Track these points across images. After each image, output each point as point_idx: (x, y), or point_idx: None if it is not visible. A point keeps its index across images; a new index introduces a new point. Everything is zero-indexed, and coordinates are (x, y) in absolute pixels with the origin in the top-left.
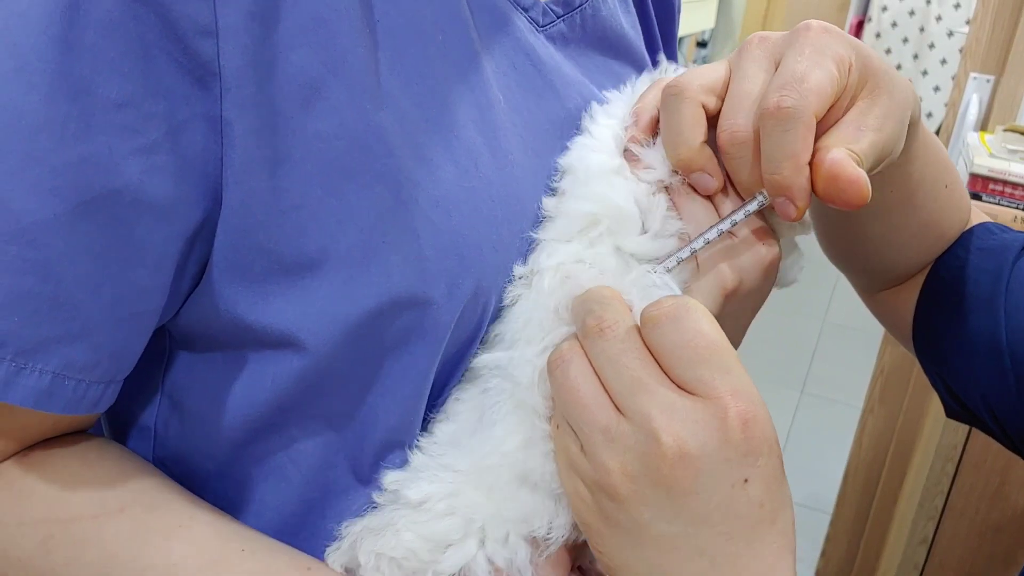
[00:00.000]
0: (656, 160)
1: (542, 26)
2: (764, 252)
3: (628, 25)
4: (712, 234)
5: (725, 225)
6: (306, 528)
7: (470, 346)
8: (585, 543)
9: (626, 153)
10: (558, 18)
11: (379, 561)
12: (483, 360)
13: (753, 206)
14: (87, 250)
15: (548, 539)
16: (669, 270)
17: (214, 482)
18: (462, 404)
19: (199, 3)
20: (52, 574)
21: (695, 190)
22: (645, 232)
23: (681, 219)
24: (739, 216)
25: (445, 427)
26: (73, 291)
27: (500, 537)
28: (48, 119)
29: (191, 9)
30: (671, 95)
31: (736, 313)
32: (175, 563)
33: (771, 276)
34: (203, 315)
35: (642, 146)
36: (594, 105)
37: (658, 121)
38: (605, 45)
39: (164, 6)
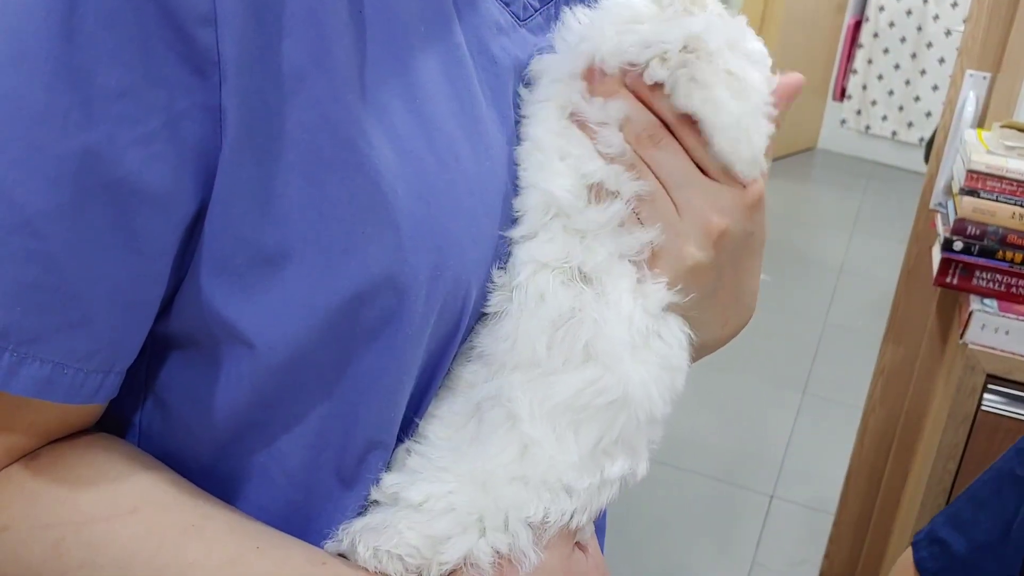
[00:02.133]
0: (614, 130)
1: (522, 20)
2: (750, 193)
3: None
4: None
5: None
6: (291, 530)
7: (450, 344)
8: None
9: (583, 127)
10: (535, 11)
11: (378, 552)
12: (479, 388)
13: None
14: (88, 239)
15: (546, 523)
16: None
17: (198, 481)
18: (456, 415)
19: None
20: None
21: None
22: (591, 203)
23: (653, 174)
24: None
25: (440, 431)
26: (73, 280)
27: (499, 525)
28: (50, 108)
29: None
30: None
31: (733, 260)
32: (192, 563)
33: (759, 213)
34: (185, 308)
35: (596, 126)
36: (532, 72)
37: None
38: None
39: None
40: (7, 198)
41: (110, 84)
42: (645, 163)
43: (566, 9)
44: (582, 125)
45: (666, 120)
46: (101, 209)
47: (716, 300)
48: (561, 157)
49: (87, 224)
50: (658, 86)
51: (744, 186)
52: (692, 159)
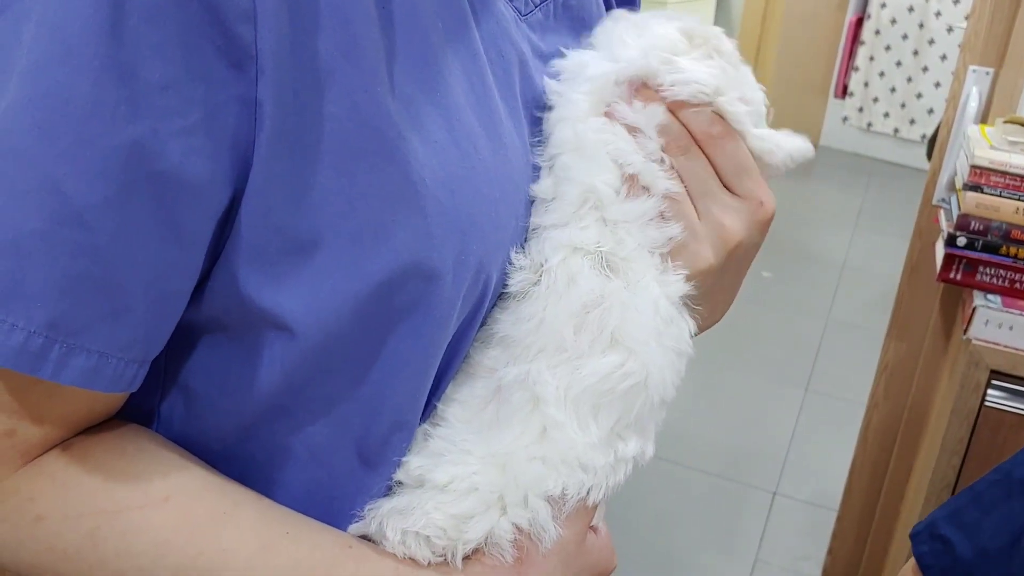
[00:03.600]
0: (651, 134)
1: (524, 15)
2: (764, 210)
3: (596, 8)
4: None
5: None
6: (312, 508)
7: (470, 327)
8: (597, 505)
9: (629, 129)
10: (535, 7)
11: (406, 537)
12: (501, 372)
13: None
14: (131, 231)
15: (565, 496)
16: None
17: (220, 463)
18: (476, 398)
19: None
20: (101, 566)
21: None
22: (627, 197)
23: (679, 178)
24: None
25: (460, 414)
26: (117, 271)
27: (519, 501)
28: (97, 103)
29: None
30: None
31: (736, 266)
32: (225, 549)
33: (766, 231)
34: (216, 295)
35: (639, 130)
36: (564, 67)
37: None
38: (579, 29)
39: None
40: (58, 191)
41: (154, 78)
42: (674, 169)
43: (609, 19)
44: (627, 126)
45: (696, 136)
46: (144, 201)
47: (707, 301)
48: (606, 152)
49: (131, 216)
50: (691, 104)
51: (761, 203)
52: (716, 174)
